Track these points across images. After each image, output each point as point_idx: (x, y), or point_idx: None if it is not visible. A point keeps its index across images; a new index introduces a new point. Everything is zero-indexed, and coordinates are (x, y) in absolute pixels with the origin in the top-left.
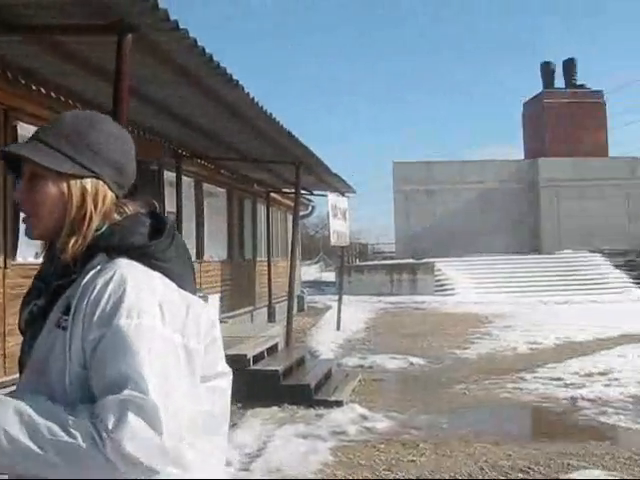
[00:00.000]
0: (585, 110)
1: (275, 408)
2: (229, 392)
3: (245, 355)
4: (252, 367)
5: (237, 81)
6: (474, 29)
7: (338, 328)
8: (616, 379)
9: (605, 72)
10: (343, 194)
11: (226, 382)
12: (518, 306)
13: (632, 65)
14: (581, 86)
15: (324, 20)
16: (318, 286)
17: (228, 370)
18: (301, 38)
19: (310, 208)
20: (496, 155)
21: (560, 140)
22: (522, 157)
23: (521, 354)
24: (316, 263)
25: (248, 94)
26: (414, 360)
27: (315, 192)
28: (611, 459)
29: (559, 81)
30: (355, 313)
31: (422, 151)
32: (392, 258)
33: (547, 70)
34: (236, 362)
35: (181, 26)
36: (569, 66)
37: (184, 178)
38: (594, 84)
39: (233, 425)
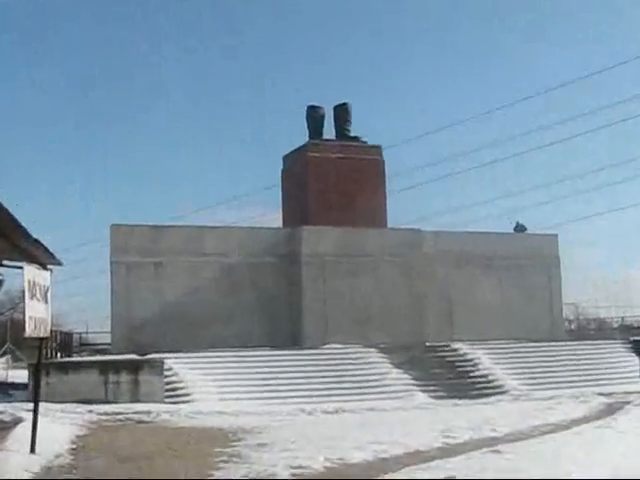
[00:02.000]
0: (360, 169)
1: None
2: None
3: None
4: None
5: None
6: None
7: (33, 450)
8: None
9: (384, 125)
10: (45, 266)
11: None
12: (275, 417)
13: (415, 119)
14: (355, 138)
15: None
16: (4, 390)
17: None
18: None
19: None
20: (248, 220)
21: (328, 204)
22: (280, 224)
23: None
24: (1, 357)
25: None
26: None
27: (5, 263)
28: None
29: (329, 130)
30: (57, 428)
31: (151, 213)
32: (108, 352)
33: (314, 116)
34: None
35: None
36: (341, 113)
37: None
38: (371, 137)
39: None
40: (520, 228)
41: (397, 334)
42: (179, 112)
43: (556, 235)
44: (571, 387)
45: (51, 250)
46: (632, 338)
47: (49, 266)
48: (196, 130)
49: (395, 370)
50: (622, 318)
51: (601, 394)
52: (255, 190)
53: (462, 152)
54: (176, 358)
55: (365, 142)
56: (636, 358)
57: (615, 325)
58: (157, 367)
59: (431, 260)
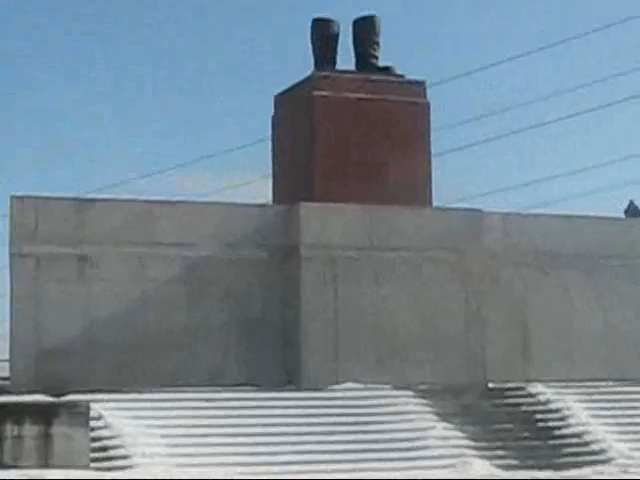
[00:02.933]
0: (392, 116)
1: None
2: None
3: None
4: None
5: None
6: None
7: None
8: None
9: (429, 56)
10: None
11: None
12: None
13: (464, 52)
14: (386, 70)
15: None
16: None
17: None
18: None
19: None
20: (225, 192)
21: (343, 169)
22: (269, 199)
23: None
24: None
25: None
26: None
27: None
28: None
29: (346, 57)
30: None
31: (75, 180)
32: (5, 391)
33: (323, 35)
34: None
35: None
36: (364, 31)
37: None
38: (410, 71)
39: None
40: (634, 211)
41: (445, 370)
42: (121, 34)
43: None
44: None
45: None
46: None
47: None
48: (147, 61)
49: (441, 424)
50: None
51: None
52: (235, 146)
53: (540, 96)
54: (109, 401)
55: (401, 76)
56: None
57: None
58: (80, 415)
59: (498, 258)
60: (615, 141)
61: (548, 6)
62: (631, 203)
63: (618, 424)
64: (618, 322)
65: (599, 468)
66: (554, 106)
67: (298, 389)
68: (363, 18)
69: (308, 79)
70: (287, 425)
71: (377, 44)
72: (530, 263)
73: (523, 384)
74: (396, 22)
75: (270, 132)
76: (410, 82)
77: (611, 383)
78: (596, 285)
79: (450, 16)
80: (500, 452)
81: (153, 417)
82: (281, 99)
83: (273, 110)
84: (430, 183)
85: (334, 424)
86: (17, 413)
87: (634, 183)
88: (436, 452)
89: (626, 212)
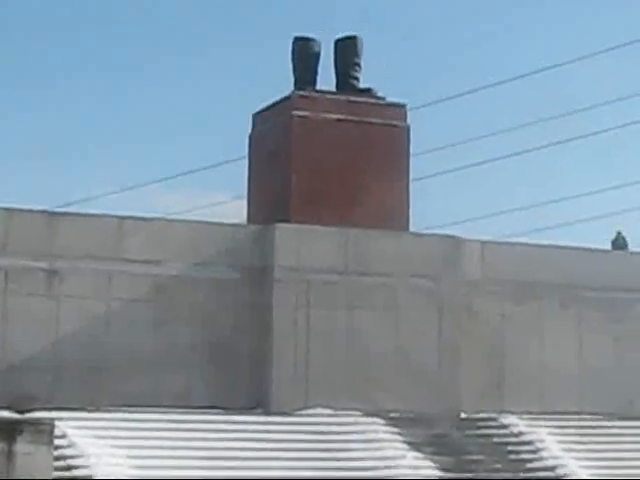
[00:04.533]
0: (372, 138)
1: None
2: None
3: None
4: None
5: None
6: None
7: None
8: None
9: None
10: None
11: None
12: None
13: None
14: (367, 91)
15: None
16: None
17: None
18: None
19: None
20: (201, 210)
21: (320, 191)
22: (243, 219)
23: None
24: None
25: None
26: None
27: None
28: None
29: (327, 78)
30: None
31: (46, 193)
32: None
33: (303, 54)
34: None
35: None
36: (346, 51)
37: None
38: (391, 93)
39: None
40: (621, 242)
41: (417, 398)
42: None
43: None
44: None
45: None
46: None
47: None
48: (124, 71)
49: (411, 454)
50: None
51: None
52: (210, 164)
53: (524, 122)
54: (74, 420)
55: (382, 98)
56: None
57: None
58: (43, 432)
59: (475, 286)
60: (602, 169)
61: (537, 31)
62: (619, 234)
63: (591, 458)
64: (594, 356)
65: None
66: (538, 132)
67: (266, 413)
68: (345, 38)
69: (287, 98)
70: (254, 450)
71: (358, 65)
72: (507, 292)
73: (496, 415)
74: (379, 44)
75: (247, 151)
76: (391, 104)
77: (585, 417)
78: (573, 317)
79: (434, 39)
80: None
81: (118, 437)
82: (259, 117)
83: (250, 128)
84: (408, 208)
85: (302, 450)
86: None
87: (621, 213)
88: None
89: (613, 243)
